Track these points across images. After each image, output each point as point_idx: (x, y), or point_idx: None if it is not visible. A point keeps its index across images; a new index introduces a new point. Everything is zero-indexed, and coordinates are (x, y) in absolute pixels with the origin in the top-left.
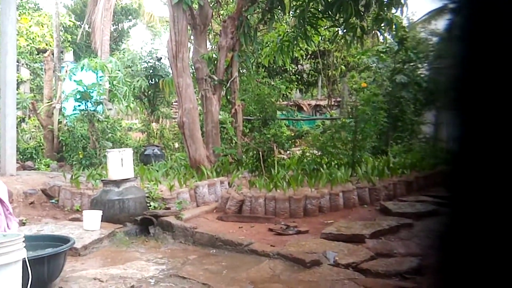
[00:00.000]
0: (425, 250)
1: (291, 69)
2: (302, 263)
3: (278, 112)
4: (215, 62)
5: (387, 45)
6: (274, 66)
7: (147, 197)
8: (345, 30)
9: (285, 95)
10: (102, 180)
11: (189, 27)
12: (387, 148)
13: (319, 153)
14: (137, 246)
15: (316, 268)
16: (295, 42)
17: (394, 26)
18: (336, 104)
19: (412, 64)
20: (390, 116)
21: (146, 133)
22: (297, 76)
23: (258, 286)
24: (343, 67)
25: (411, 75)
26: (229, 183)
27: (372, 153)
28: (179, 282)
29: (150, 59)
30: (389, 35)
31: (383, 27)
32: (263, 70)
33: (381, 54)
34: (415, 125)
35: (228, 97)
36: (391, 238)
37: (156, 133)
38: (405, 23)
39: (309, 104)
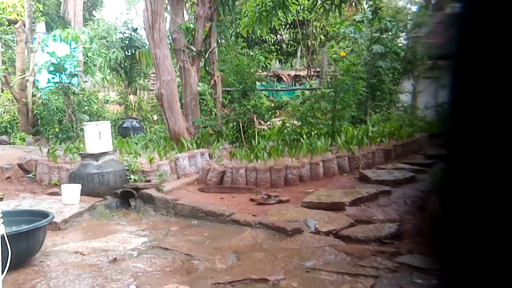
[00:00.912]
0: (403, 216)
1: (270, 39)
2: (284, 231)
3: (258, 83)
4: (193, 32)
5: (364, 14)
6: (253, 37)
7: (127, 170)
8: None
9: (264, 66)
10: (80, 154)
11: None
12: (366, 117)
13: (299, 123)
14: (118, 219)
15: (297, 236)
16: (274, 11)
17: None
18: (315, 74)
19: (390, 33)
20: (369, 86)
21: (123, 105)
22: (276, 46)
23: (240, 255)
24: (322, 36)
25: (389, 44)
26: (209, 155)
27: (352, 122)
28: (161, 253)
29: (126, 29)
30: (366, 4)
31: None
32: (242, 40)
33: (358, 24)
34: (393, 94)
35: (207, 68)
36: (370, 205)
37: (134, 106)
38: None
39: (288, 75)
